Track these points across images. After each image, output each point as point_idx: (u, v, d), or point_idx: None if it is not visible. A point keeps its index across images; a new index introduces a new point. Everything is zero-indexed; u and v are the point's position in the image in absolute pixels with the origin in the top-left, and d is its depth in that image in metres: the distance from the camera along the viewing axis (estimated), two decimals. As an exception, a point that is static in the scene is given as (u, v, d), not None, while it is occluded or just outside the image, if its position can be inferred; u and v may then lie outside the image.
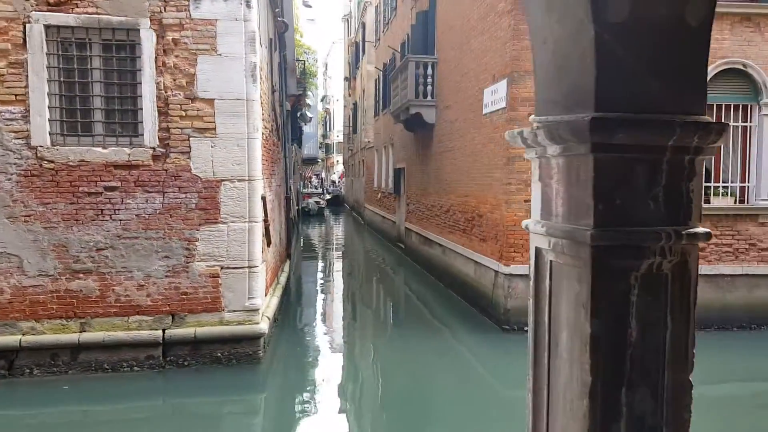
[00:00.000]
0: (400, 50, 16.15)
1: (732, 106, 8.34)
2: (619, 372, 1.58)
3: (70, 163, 6.16)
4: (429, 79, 12.29)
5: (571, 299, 1.67)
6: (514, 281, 8.04)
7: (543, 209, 1.84)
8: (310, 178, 50.32)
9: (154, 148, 6.32)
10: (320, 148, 50.27)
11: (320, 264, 16.76)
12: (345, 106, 41.09)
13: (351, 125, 34.96)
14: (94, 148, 6.22)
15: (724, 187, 8.45)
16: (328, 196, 39.25)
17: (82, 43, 6.21)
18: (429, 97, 12.35)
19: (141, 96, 6.30)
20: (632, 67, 1.53)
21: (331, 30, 74.36)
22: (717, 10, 9.02)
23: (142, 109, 6.31)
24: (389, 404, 6.24)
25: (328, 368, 7.38)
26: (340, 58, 47.27)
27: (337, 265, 16.43)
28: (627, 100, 1.54)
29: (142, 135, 6.33)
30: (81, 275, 6.25)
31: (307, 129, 28.72)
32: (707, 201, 8.33)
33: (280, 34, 10.91)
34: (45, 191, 6.13)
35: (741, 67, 8.26)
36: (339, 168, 53.77)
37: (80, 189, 6.18)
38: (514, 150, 7.92)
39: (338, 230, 27.27)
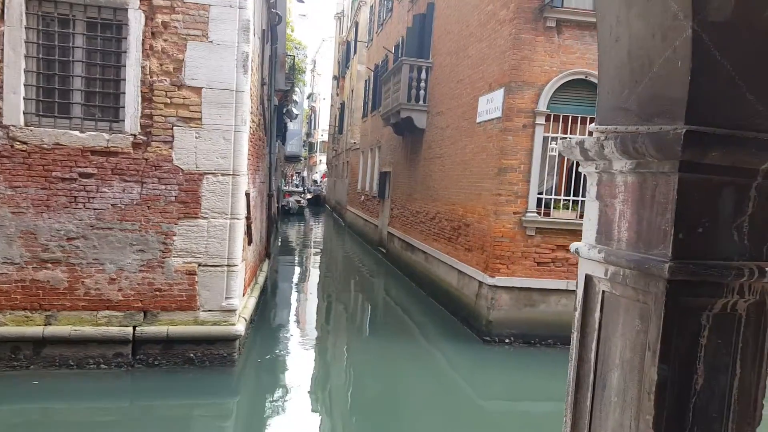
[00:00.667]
0: (393, 52, 16.09)
1: (580, 117, 7.91)
2: (681, 423, 1.44)
3: (45, 146, 5.87)
4: (422, 84, 12.24)
5: (629, 338, 1.51)
6: (499, 293, 8.02)
7: (600, 232, 1.66)
8: (292, 176, 49.92)
9: (134, 135, 6.07)
10: (304, 146, 49.91)
11: (299, 265, 16.56)
12: (332, 106, 40.88)
13: (337, 125, 34.76)
14: (70, 132, 5.94)
15: (565, 200, 8.14)
16: (309, 196, 39.00)
17: (65, 19, 5.94)
18: (421, 102, 12.30)
19: (125, 80, 6.05)
20: (729, 76, 1.35)
21: (322, 27, 74.25)
22: (570, 17, 8.14)
23: (124, 93, 6.06)
24: (363, 410, 6.18)
25: (304, 373, 7.24)
26: (329, 56, 47.11)
27: (317, 267, 16.25)
28: (720, 113, 1.36)
29: (123, 121, 6.08)
30: (49, 265, 5.96)
31: (291, 126, 28.44)
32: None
33: (273, 26, 10.72)
34: (15, 174, 5.82)
35: (583, 77, 7.89)
36: (322, 168, 53.50)
37: (53, 174, 5.89)
38: (506, 160, 7.90)
39: (318, 231, 27.05)
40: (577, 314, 1.73)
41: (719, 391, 1.45)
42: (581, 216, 8.02)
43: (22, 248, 5.90)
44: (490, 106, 8.46)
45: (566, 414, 1.78)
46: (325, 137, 48.38)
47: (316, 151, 57.43)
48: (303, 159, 53.11)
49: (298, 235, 24.12)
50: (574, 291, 7.64)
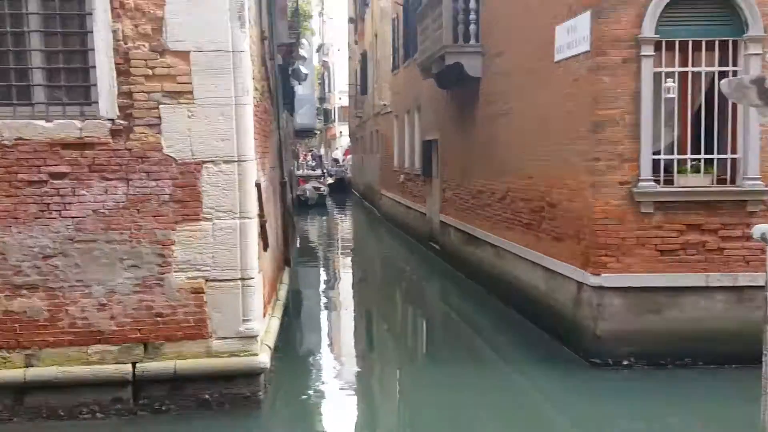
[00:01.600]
0: (429, -22, 16.12)
1: (704, 42, 7.75)
2: None
3: (5, 143, 6.22)
4: (472, 16, 12.22)
5: None
6: (608, 296, 7.88)
7: None
8: (306, 156, 50.56)
9: (112, 120, 6.37)
10: (318, 115, 50.38)
11: (326, 272, 16.91)
12: (350, 58, 41.09)
13: (359, 83, 34.98)
14: (34, 122, 6.28)
15: (693, 160, 7.85)
16: (330, 180, 39.49)
17: (13, -21, 6.28)
18: (473, 41, 12.29)
19: (93, 49, 6.34)
20: None
21: (328, -47, 74.17)
22: None
23: (95, 67, 6.35)
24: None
25: (347, 415, 7.45)
26: (341, -9, 47.24)
27: (350, 275, 16.57)
28: None
29: (97, 103, 6.38)
30: (24, 291, 6.33)
31: (300, 90, 28.71)
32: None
33: (268, -40, 10.92)
34: (-27, 181, 6.25)
35: None
36: (343, 141, 53.97)
37: (19, 177, 6.24)
38: (602, 111, 7.82)
39: (346, 225, 27.49)
40: None
41: None
42: (719, 181, 7.86)
43: (-9, 273, 6.34)
44: (573, 37, 8.41)
45: (762, 417, 1.83)
46: (345, 101, 48.69)
47: (334, 121, 57.99)
48: (318, 132, 53.61)
49: (320, 234, 24.60)
50: (715, 288, 7.44)
